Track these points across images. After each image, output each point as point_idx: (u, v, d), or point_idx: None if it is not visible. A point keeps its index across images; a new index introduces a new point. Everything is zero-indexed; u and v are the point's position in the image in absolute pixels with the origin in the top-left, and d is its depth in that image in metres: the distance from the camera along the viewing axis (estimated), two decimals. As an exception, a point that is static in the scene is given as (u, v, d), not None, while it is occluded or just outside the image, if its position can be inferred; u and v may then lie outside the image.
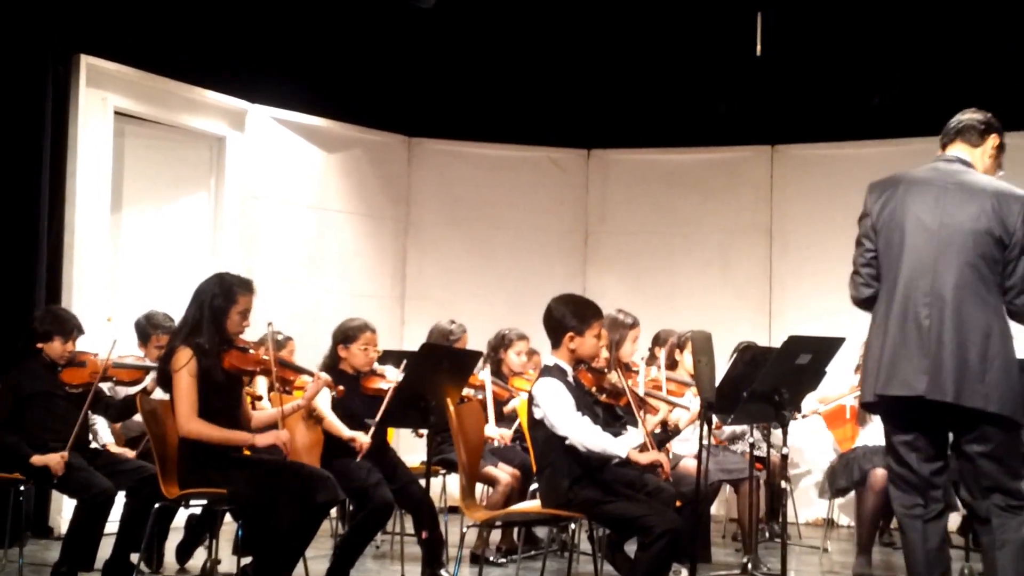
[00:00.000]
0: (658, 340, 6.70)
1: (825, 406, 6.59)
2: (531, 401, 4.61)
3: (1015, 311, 3.82)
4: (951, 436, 3.89)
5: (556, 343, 4.68)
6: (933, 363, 3.74)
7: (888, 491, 5.83)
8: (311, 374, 5.05)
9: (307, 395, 4.94)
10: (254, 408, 5.52)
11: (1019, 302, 3.80)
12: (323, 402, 5.34)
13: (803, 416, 6.66)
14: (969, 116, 4.04)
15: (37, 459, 5.13)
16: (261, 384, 6.22)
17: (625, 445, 4.49)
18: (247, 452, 5.25)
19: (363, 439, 5.34)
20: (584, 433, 4.44)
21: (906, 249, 3.85)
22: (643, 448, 4.72)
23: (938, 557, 3.84)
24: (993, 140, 4.02)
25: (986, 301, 3.78)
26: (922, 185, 3.91)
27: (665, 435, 5.66)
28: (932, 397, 3.74)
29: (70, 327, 5.47)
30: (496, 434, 6.07)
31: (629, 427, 5.47)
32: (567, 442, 4.44)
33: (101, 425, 5.95)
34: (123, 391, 5.71)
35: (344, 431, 5.38)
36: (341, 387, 5.20)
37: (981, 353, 3.72)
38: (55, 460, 5.12)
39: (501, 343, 6.55)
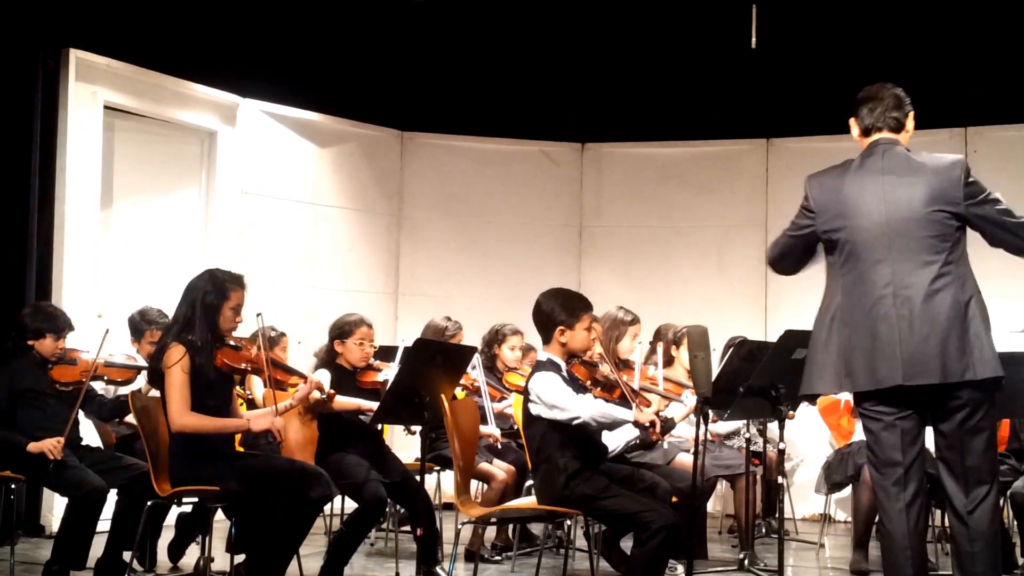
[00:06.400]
0: (656, 337, 6.66)
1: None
2: (527, 396, 4.59)
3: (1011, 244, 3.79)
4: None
5: (547, 338, 4.67)
6: (903, 350, 3.68)
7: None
8: (303, 376, 5.01)
9: (297, 397, 4.90)
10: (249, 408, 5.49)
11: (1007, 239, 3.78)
12: (326, 382, 5.24)
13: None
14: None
15: (33, 446, 5.10)
16: (258, 387, 6.18)
17: (629, 411, 4.63)
18: (240, 448, 5.22)
19: (368, 405, 5.31)
20: (592, 407, 4.51)
21: (858, 243, 3.80)
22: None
23: (921, 545, 3.82)
24: (912, 120, 3.97)
25: (951, 277, 3.73)
26: (865, 176, 3.87)
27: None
28: (910, 383, 3.68)
29: (61, 324, 5.43)
30: (495, 431, 6.04)
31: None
32: (576, 422, 4.44)
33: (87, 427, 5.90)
34: (114, 389, 5.67)
35: (354, 401, 5.33)
36: (332, 391, 5.15)
37: (960, 328, 3.68)
38: (51, 444, 5.08)
39: (495, 338, 6.53)
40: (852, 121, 4.02)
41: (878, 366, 3.72)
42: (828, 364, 3.83)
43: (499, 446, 6.15)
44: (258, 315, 4.74)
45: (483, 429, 5.73)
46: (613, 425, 4.66)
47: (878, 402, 3.79)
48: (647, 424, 4.62)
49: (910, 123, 3.96)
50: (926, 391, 3.71)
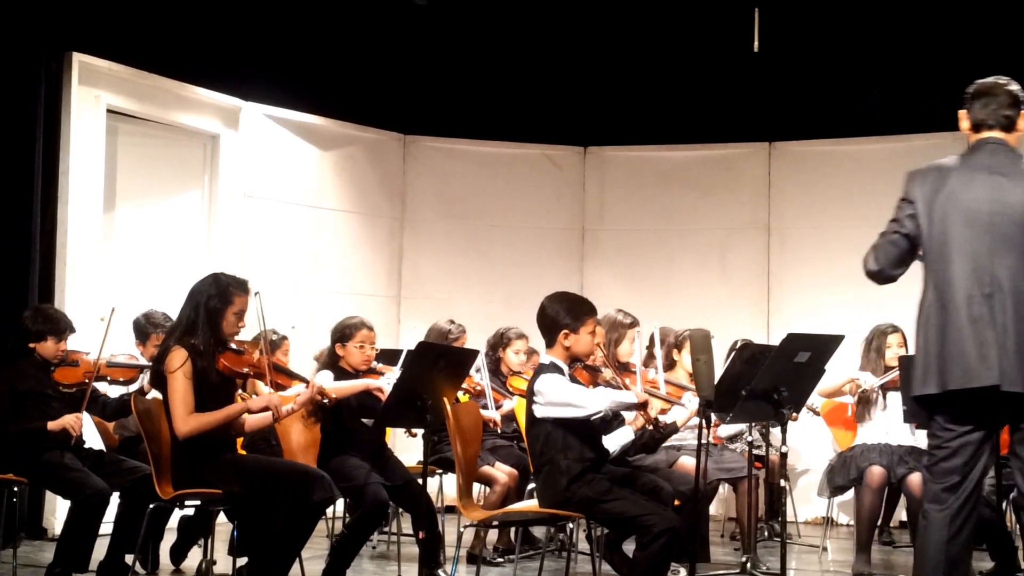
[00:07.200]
0: (651, 341, 6.65)
1: (823, 397, 6.55)
2: (530, 398, 4.58)
3: None
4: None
5: (551, 342, 4.66)
6: (1000, 353, 3.63)
7: (911, 488, 5.80)
8: (304, 381, 5.01)
9: (299, 401, 4.89)
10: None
11: None
12: (325, 381, 5.24)
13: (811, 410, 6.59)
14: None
15: (53, 424, 5.14)
16: (263, 388, 6.18)
17: (632, 394, 4.69)
18: (242, 451, 5.21)
19: (375, 384, 5.29)
20: (603, 397, 4.57)
21: (959, 241, 3.72)
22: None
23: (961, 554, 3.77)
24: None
25: None
26: (972, 173, 3.78)
27: (660, 434, 5.62)
28: (1008, 388, 3.62)
29: (63, 326, 5.43)
30: (495, 415, 6.02)
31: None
32: (596, 416, 4.48)
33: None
34: (119, 390, 5.68)
35: (359, 383, 5.32)
36: (335, 396, 5.15)
37: None
38: (71, 419, 5.12)
39: (500, 342, 6.52)
40: (962, 113, 3.89)
41: (973, 366, 3.65)
42: (928, 366, 3.74)
43: (499, 431, 6.13)
44: (256, 294, 4.75)
45: (484, 414, 5.72)
46: (623, 407, 4.69)
47: (953, 411, 3.72)
48: (643, 403, 4.63)
49: (1022, 123, 3.85)
50: (1011, 398, 3.66)
